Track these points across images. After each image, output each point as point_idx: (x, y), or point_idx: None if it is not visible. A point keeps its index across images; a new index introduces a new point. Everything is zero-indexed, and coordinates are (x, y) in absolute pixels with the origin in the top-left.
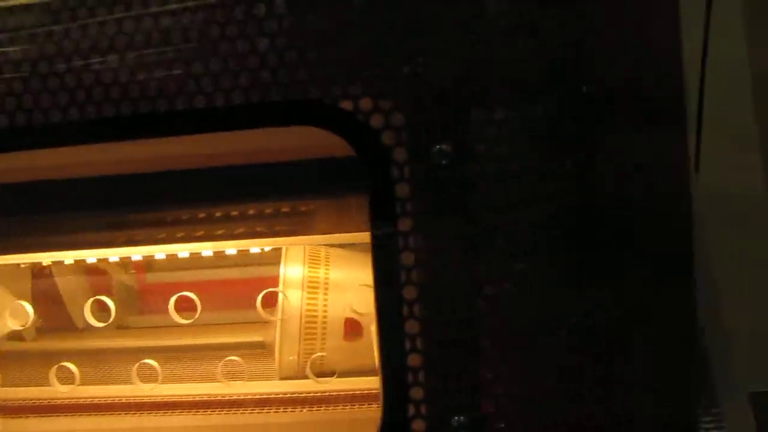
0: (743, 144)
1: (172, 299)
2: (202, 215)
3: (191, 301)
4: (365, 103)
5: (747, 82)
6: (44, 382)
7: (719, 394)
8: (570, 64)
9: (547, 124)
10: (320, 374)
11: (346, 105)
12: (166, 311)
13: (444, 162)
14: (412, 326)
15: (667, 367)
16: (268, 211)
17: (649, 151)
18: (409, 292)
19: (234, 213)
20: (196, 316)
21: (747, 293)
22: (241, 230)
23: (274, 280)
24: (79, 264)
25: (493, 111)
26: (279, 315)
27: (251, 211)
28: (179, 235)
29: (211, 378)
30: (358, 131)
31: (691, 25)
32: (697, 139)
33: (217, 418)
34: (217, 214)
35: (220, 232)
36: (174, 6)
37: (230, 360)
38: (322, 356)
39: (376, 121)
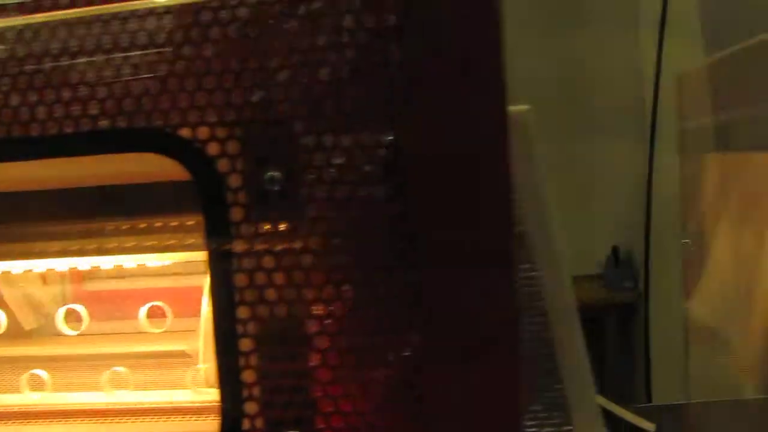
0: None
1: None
2: (105, 227)
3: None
4: (202, 132)
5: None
6: None
7: (571, 409)
8: (394, 93)
9: (374, 150)
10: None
11: (185, 133)
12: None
13: (275, 188)
14: (245, 344)
15: (494, 387)
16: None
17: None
18: (243, 312)
19: (125, 226)
20: (83, 327)
21: None
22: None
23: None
24: None
25: (322, 138)
26: (202, 324)
27: (142, 225)
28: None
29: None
30: (194, 158)
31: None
32: (650, 149)
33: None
34: (110, 227)
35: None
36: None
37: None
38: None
39: (212, 149)
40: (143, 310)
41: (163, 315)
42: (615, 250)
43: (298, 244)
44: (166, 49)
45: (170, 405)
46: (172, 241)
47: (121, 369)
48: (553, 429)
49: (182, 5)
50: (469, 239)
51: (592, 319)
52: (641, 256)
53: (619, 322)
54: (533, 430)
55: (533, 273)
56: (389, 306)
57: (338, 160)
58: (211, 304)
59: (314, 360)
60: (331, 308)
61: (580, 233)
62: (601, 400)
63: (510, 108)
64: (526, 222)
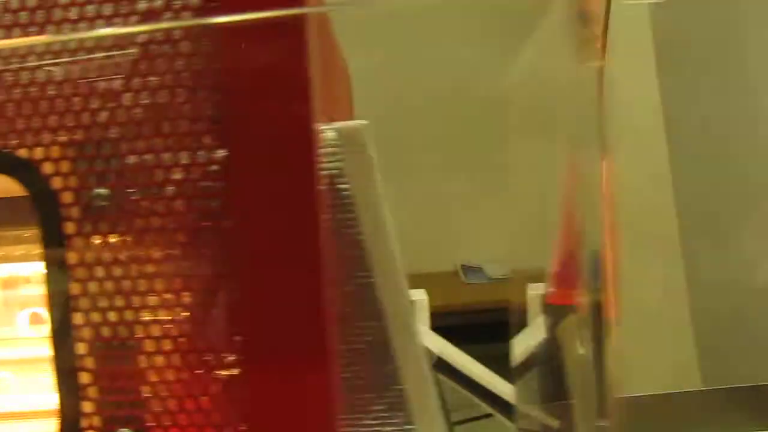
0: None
1: None
2: None
3: None
4: (38, 152)
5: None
6: None
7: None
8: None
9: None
10: None
11: (23, 153)
12: None
13: (103, 203)
14: (80, 348)
15: (310, 390)
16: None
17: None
18: (77, 318)
19: None
20: None
21: None
22: None
23: None
24: None
25: (145, 157)
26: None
27: None
28: None
29: None
30: (31, 177)
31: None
32: (599, 151)
33: None
34: None
35: None
36: None
37: None
38: None
39: (47, 168)
40: (23, 316)
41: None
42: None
43: (125, 255)
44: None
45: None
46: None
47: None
48: (394, 428)
49: None
50: (284, 249)
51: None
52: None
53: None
54: (375, 429)
55: (371, 280)
56: (212, 311)
57: (161, 177)
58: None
59: (143, 362)
60: (158, 314)
61: (544, 232)
62: (510, 397)
63: (347, 122)
64: (364, 231)
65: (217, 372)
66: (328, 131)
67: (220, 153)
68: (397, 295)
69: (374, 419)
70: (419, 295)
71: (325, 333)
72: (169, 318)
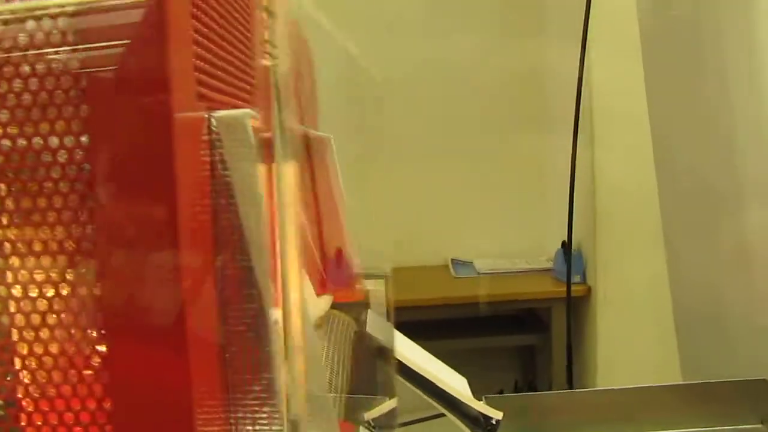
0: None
1: None
2: None
3: None
4: None
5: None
6: None
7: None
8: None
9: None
10: None
11: None
12: None
13: None
14: None
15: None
16: None
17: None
18: None
19: None
20: None
21: None
22: None
23: None
24: None
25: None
26: None
27: None
28: None
29: None
30: None
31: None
32: (573, 144)
33: None
34: None
35: None
36: None
37: None
38: None
39: None
40: None
41: None
42: (564, 245)
43: None
44: None
45: None
46: None
47: None
48: (272, 409)
49: None
50: (143, 233)
51: (539, 311)
52: (590, 250)
53: (568, 315)
54: (254, 409)
55: (249, 264)
56: (76, 309)
57: (29, 161)
58: None
59: (18, 365)
60: (29, 318)
61: (533, 228)
62: (454, 391)
63: (230, 111)
64: (243, 217)
65: (83, 349)
66: (210, 119)
67: (84, 139)
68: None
69: (254, 399)
70: (374, 286)
71: (184, 315)
72: (35, 295)
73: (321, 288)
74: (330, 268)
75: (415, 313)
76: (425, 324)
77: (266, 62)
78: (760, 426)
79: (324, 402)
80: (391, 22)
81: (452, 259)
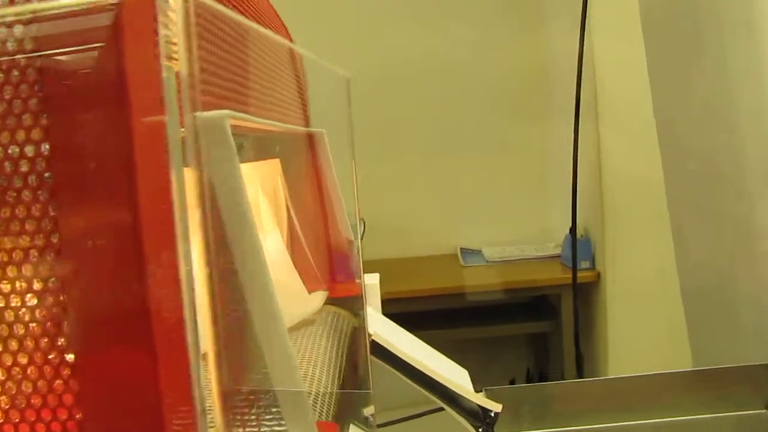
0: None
1: None
2: None
3: None
4: None
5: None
6: None
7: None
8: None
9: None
10: None
11: None
12: None
13: None
14: None
15: (137, 379)
16: None
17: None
18: None
19: None
20: None
21: None
22: None
23: None
24: None
25: None
26: None
27: None
28: None
29: None
30: None
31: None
32: (575, 130)
33: None
34: None
35: None
36: None
37: None
38: None
39: None
40: None
41: None
42: (572, 231)
43: None
44: None
45: None
46: None
47: None
48: (258, 410)
49: None
50: (103, 239)
51: (551, 297)
52: (598, 236)
53: (576, 301)
54: (238, 410)
55: (233, 265)
56: (43, 319)
57: None
58: None
59: None
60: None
61: (541, 215)
62: (453, 385)
63: (209, 113)
64: (224, 218)
65: (52, 359)
66: (188, 120)
67: (45, 147)
68: (258, 281)
69: (240, 402)
70: (371, 280)
71: (152, 321)
72: (2, 306)
73: (315, 284)
74: (332, 263)
75: (424, 303)
76: (435, 313)
77: (165, 62)
78: (764, 411)
79: (298, 400)
80: (395, 12)
81: (461, 248)
